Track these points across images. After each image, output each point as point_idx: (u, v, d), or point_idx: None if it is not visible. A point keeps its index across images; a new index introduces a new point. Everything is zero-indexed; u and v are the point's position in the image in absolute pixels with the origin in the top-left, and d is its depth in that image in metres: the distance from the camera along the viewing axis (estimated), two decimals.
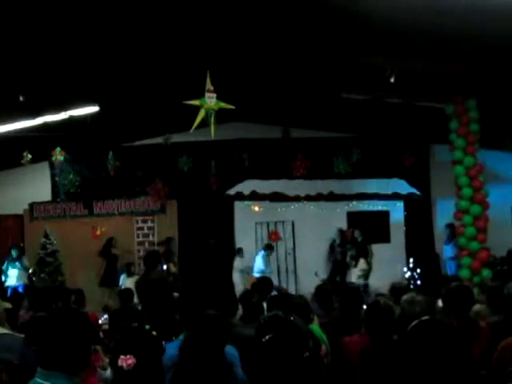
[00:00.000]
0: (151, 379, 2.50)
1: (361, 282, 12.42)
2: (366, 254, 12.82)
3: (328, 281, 12.38)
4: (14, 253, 12.50)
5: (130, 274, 12.11)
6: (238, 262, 13.46)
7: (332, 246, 13.78)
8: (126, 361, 2.41)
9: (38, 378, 2.30)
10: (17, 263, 12.43)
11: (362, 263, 12.83)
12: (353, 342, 3.98)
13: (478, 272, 9.82)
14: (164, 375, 2.68)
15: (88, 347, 2.46)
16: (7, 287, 12.27)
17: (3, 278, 12.51)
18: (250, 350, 2.79)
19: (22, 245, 13.10)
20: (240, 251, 13.58)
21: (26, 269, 12.52)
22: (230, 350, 3.45)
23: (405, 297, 3.46)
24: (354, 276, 12.80)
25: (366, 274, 12.70)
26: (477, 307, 4.61)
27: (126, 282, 12.05)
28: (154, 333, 2.60)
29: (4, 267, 12.45)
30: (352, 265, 13.01)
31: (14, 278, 12.36)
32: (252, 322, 4.49)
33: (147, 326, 2.67)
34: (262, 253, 13.31)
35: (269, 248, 13.43)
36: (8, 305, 4.17)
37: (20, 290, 11.87)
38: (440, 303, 5.18)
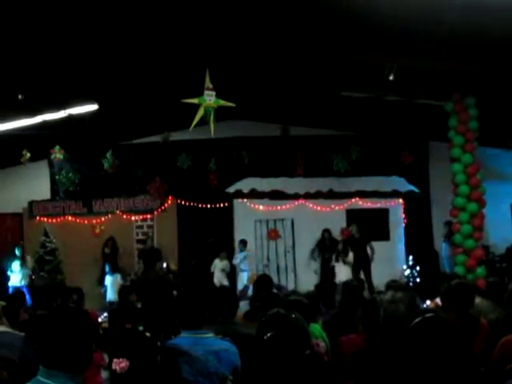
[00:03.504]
0: (146, 381, 2.48)
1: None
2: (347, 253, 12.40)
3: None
4: (17, 251, 12.42)
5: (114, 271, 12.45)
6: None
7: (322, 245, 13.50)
8: (119, 364, 2.40)
9: (40, 376, 2.29)
10: (20, 262, 12.32)
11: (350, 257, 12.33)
12: (349, 342, 3.98)
13: (473, 270, 9.81)
14: (159, 377, 2.65)
15: (89, 346, 2.45)
16: (10, 286, 12.15)
17: (7, 277, 12.35)
18: (250, 348, 2.79)
19: (21, 243, 13.07)
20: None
21: (28, 268, 12.44)
22: (231, 348, 3.45)
23: (385, 297, 3.44)
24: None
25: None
26: (477, 302, 4.60)
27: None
28: (148, 334, 2.57)
29: (8, 266, 12.33)
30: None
31: (17, 277, 12.25)
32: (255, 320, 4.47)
33: (141, 328, 2.63)
34: None
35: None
36: (2, 302, 4.15)
37: (23, 289, 11.82)
38: (438, 300, 5.19)
